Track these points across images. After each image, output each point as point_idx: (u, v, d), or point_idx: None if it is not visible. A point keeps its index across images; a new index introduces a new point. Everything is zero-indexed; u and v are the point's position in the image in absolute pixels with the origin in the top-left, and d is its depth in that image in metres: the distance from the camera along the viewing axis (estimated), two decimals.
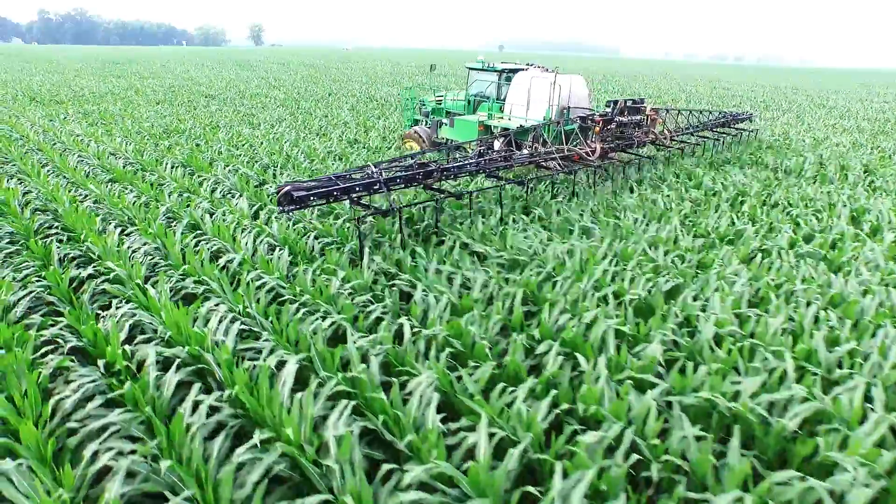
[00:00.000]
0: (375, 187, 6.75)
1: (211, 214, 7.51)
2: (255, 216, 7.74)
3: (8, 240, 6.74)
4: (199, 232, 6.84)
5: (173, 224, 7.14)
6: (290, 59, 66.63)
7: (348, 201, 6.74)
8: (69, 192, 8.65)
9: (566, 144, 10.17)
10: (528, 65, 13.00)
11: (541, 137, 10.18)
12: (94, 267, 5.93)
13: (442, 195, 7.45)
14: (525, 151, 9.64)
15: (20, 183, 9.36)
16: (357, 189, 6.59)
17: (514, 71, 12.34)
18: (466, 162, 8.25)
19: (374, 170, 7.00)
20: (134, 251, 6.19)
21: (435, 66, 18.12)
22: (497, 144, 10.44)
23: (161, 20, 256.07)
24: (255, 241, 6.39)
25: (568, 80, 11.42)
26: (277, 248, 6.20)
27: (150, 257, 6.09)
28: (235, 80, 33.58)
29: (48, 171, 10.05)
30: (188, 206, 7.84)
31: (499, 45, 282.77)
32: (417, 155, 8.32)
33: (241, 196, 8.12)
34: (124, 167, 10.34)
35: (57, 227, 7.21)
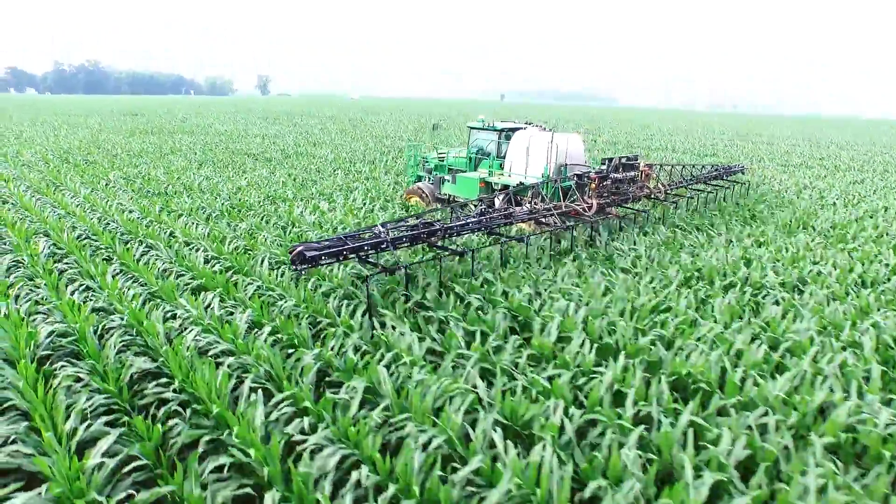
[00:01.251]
0: (382, 246, 7.08)
1: (374, 356, 5.42)
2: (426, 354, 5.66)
3: (104, 410, 4.65)
4: (379, 397, 4.74)
5: (336, 387, 5.02)
6: (305, 109, 66.46)
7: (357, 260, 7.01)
8: (154, 308, 6.62)
9: (564, 201, 10.55)
10: (526, 123, 13.45)
11: (539, 195, 10.54)
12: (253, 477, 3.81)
13: (445, 253, 7.72)
14: (525, 207, 9.89)
15: (87, 291, 7.35)
16: (365, 248, 6.91)
17: (514, 130, 12.73)
18: (468, 221, 8.46)
19: (381, 229, 7.34)
20: (310, 451, 4.06)
21: (437, 125, 18.26)
22: (497, 202, 10.74)
23: (170, 70, 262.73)
24: (473, 420, 4.27)
25: (565, 138, 11.85)
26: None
27: (332, 456, 3.96)
28: (267, 134, 32.26)
29: (115, 271, 8.06)
30: (331, 342, 5.75)
31: (500, 95, 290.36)
32: (423, 214, 8.62)
33: (399, 325, 6.03)
34: (209, 264, 8.36)
35: (161, 380, 5.13)
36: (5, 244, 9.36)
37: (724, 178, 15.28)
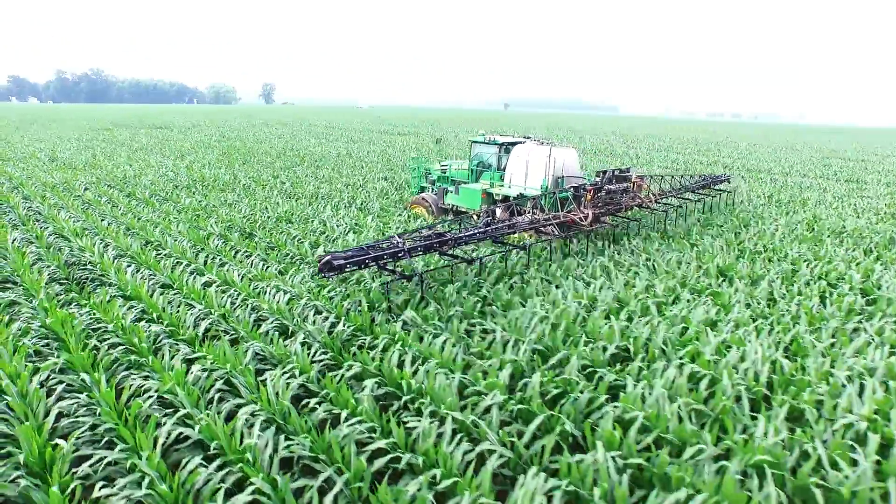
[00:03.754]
0: (400, 255, 7.74)
1: None
2: None
3: None
4: None
5: None
6: (328, 119, 62.14)
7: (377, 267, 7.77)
8: None
9: (561, 211, 10.99)
10: (525, 138, 14.03)
11: (539, 205, 11.12)
12: None
13: (456, 260, 8.62)
14: (527, 217, 10.39)
15: None
16: (385, 257, 7.58)
17: (513, 144, 13.16)
18: (476, 231, 9.14)
19: (399, 240, 7.96)
20: None
21: (440, 139, 18.46)
22: (499, 212, 11.10)
23: (173, 79, 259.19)
24: None
25: (562, 152, 12.38)
26: None
27: None
28: (332, 151, 27.82)
29: None
30: None
31: (504, 104, 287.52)
32: (434, 225, 9.54)
33: None
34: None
35: None
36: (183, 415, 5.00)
37: (711, 186, 16.09)
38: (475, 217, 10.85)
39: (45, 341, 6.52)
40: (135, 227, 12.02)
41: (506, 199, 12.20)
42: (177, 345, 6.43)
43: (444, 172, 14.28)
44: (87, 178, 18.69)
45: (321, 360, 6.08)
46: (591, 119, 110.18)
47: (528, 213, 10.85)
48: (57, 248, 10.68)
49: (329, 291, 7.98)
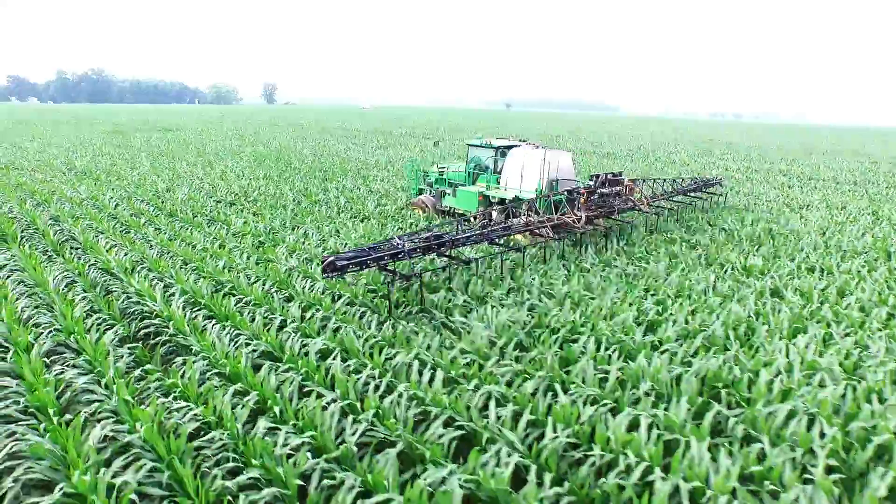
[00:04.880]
0: (400, 256, 8.07)
1: None
2: None
3: None
4: None
5: None
6: (341, 122, 60.12)
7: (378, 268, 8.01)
8: None
9: (556, 213, 11.29)
10: (521, 141, 14.46)
11: (533, 208, 11.42)
12: None
13: (454, 261, 8.97)
14: (521, 220, 10.68)
15: None
16: (385, 258, 7.89)
17: (509, 147, 13.55)
18: (473, 233, 9.47)
19: (399, 241, 8.32)
20: None
21: (437, 142, 18.22)
22: (494, 214, 11.66)
23: (174, 79, 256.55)
24: None
25: (556, 155, 12.72)
26: None
27: None
28: (361, 155, 25.82)
29: None
30: None
31: (506, 104, 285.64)
32: (434, 227, 9.82)
33: None
34: None
35: None
36: None
37: (703, 190, 16.17)
38: (472, 219, 10.94)
39: (138, 458, 4.56)
40: (192, 258, 10.06)
41: (502, 201, 12.47)
42: (329, 468, 4.47)
43: (442, 175, 14.43)
44: (115, 191, 16.74)
45: (557, 496, 4.13)
46: (597, 120, 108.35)
47: (524, 215, 11.05)
48: (106, 289, 8.73)
49: (505, 373, 5.99)
